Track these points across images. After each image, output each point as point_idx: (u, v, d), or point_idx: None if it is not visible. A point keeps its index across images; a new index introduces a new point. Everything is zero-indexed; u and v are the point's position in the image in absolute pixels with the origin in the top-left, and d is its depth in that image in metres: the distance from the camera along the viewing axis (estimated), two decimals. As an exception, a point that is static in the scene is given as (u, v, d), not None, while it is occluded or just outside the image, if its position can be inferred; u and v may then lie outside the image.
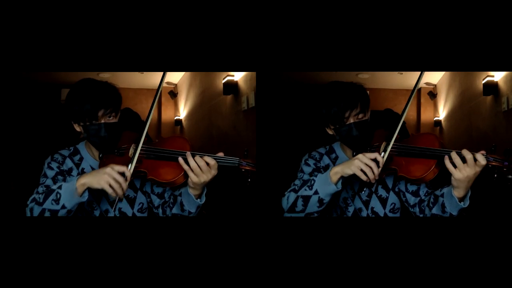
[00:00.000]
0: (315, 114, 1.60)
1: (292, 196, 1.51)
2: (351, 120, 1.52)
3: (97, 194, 1.57)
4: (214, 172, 1.42)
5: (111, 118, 1.51)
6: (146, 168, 1.47)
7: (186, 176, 1.45)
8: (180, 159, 1.42)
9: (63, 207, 1.40)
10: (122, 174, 1.40)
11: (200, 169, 1.40)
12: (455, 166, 1.36)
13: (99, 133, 1.49)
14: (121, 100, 1.55)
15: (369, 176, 1.42)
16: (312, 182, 1.48)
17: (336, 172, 1.46)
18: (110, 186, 1.38)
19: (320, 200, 1.47)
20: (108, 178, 1.38)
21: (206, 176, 1.41)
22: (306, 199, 1.48)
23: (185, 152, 1.43)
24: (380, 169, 1.44)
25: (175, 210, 1.53)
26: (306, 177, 1.60)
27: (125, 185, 1.39)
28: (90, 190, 1.43)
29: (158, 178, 1.45)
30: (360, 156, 1.44)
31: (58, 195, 1.41)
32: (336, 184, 1.46)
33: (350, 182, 1.63)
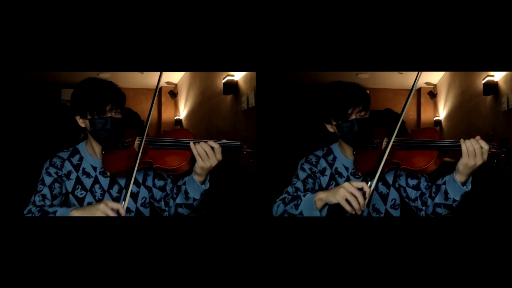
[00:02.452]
0: (318, 110, 1.62)
1: (281, 208, 1.55)
2: (353, 117, 1.56)
3: (101, 191, 1.60)
4: (219, 157, 1.48)
5: (117, 114, 1.57)
6: (151, 158, 1.53)
7: (190, 162, 1.51)
8: (191, 144, 1.48)
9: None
10: (117, 211, 1.44)
11: (206, 153, 1.47)
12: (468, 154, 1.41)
13: (105, 126, 1.54)
14: (125, 98, 1.61)
15: (354, 207, 1.39)
16: (299, 201, 1.50)
17: (321, 198, 1.46)
18: None
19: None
20: (102, 215, 1.43)
21: (212, 161, 1.47)
22: (292, 216, 1.52)
23: (189, 140, 1.50)
24: (366, 200, 1.41)
25: (179, 200, 1.56)
26: (299, 184, 1.64)
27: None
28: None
29: (164, 166, 1.51)
30: (346, 184, 1.41)
31: None
32: (320, 211, 1.47)
33: (349, 180, 1.64)
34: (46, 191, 1.57)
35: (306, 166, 1.67)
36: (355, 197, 1.39)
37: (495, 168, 1.44)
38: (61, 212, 1.48)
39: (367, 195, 1.40)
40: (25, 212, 1.54)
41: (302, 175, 1.66)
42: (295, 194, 1.60)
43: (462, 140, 1.42)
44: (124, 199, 1.47)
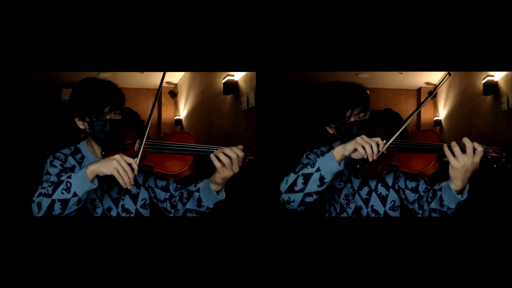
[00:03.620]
0: (317, 113, 1.61)
1: (292, 176, 1.51)
2: (352, 119, 1.55)
3: (101, 192, 1.59)
4: (240, 164, 1.45)
5: (116, 115, 1.55)
6: (152, 162, 1.50)
7: (192, 168, 1.48)
8: (212, 156, 1.44)
9: (75, 195, 1.41)
10: (129, 165, 1.42)
11: (231, 162, 1.43)
12: (454, 156, 1.38)
13: (104, 129, 1.52)
14: (124, 99, 1.59)
15: (367, 151, 1.44)
16: (315, 161, 1.50)
17: (339, 150, 1.47)
18: (118, 172, 1.40)
19: (321, 178, 1.47)
20: (117, 164, 1.40)
21: (234, 168, 1.44)
22: (307, 176, 1.48)
23: (189, 145, 1.49)
24: (379, 153, 1.46)
25: (190, 206, 1.54)
26: None
27: (131, 174, 1.42)
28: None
29: (165, 171, 1.48)
30: (362, 135, 1.47)
31: (69, 184, 1.42)
32: (339, 162, 1.47)
33: (350, 180, 1.64)
34: (54, 178, 1.52)
35: (312, 156, 1.66)
36: (370, 145, 1.45)
37: (496, 173, 1.41)
38: (75, 174, 1.43)
39: (380, 148, 1.46)
40: (34, 197, 1.45)
41: (307, 162, 1.65)
42: None
43: (445, 145, 1.41)
44: (137, 156, 1.45)
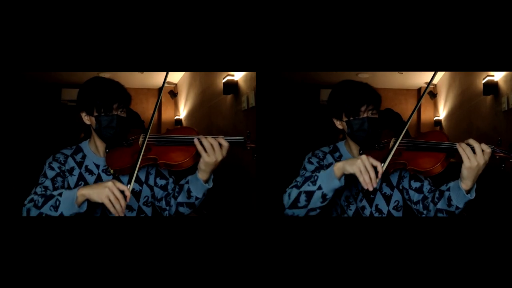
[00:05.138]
0: (330, 105, 1.64)
1: (295, 192, 1.52)
2: (365, 115, 1.57)
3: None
4: (224, 153, 1.50)
5: (122, 113, 1.59)
6: (156, 154, 1.54)
7: (194, 158, 1.53)
8: (196, 140, 1.50)
9: (61, 214, 1.44)
10: (122, 192, 1.43)
11: (213, 148, 1.49)
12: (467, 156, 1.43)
13: (111, 123, 1.56)
14: (131, 99, 1.63)
15: (365, 180, 1.43)
16: (316, 177, 1.51)
17: (339, 167, 1.48)
18: (110, 201, 1.41)
19: (324, 195, 1.49)
20: (109, 192, 1.41)
21: (217, 155, 1.49)
22: (309, 194, 1.50)
23: (193, 136, 1.52)
24: (378, 179, 1.45)
25: (180, 199, 1.58)
26: (308, 174, 1.62)
27: (123, 202, 1.42)
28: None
29: (169, 161, 1.53)
30: (363, 157, 1.45)
31: (58, 202, 1.44)
32: (339, 179, 1.48)
33: (354, 181, 1.64)
34: (48, 183, 1.55)
35: (314, 160, 1.67)
36: (368, 172, 1.43)
37: (503, 173, 1.44)
38: (67, 193, 1.44)
39: (379, 175, 1.45)
40: (26, 201, 1.49)
41: (310, 167, 1.65)
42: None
43: (458, 145, 1.43)
44: (129, 183, 1.46)
